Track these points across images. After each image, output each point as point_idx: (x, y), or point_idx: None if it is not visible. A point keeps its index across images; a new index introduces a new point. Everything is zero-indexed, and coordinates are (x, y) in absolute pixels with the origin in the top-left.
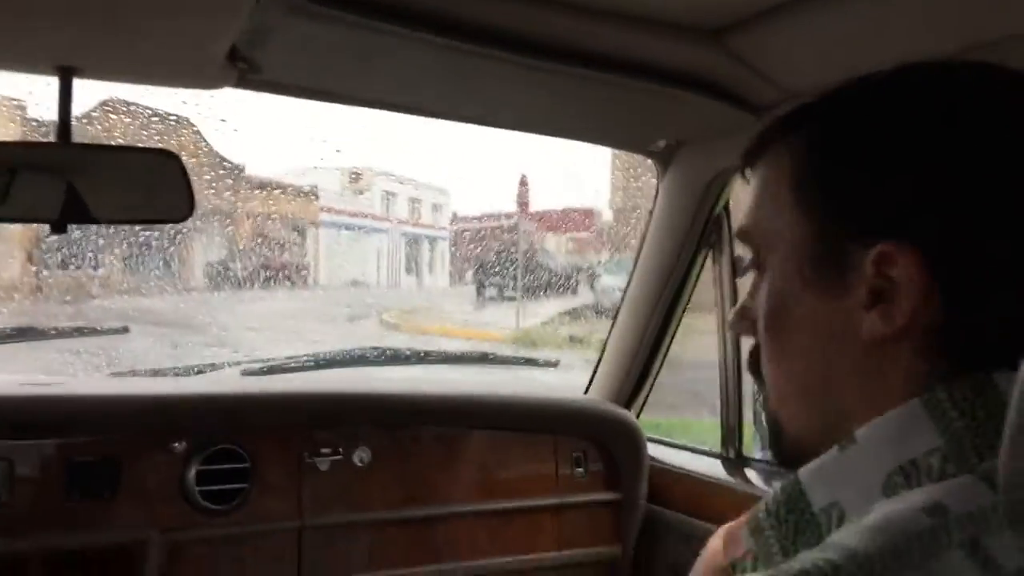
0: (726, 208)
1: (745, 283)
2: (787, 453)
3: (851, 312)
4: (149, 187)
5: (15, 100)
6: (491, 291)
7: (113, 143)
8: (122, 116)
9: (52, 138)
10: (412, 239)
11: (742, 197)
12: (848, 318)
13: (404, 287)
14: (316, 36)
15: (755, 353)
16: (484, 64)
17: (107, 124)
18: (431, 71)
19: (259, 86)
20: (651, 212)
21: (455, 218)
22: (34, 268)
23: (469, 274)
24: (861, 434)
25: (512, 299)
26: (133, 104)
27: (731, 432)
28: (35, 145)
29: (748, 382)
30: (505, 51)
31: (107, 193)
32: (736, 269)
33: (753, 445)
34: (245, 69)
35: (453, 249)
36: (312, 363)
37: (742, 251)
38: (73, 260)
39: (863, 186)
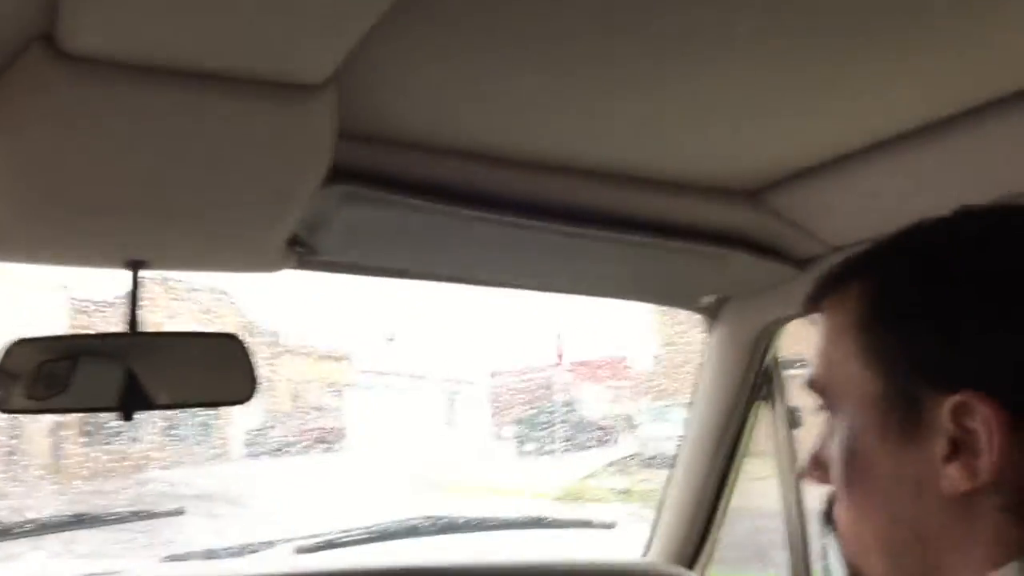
0: (775, 359)
1: (801, 434)
2: None
3: (930, 464)
4: (213, 370)
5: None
6: (531, 445)
7: (180, 331)
8: (157, 289)
9: (121, 328)
10: (450, 396)
11: (793, 340)
12: (928, 470)
13: (444, 446)
14: (373, 219)
15: (831, 502)
16: (534, 236)
17: (146, 299)
18: (484, 245)
19: (316, 267)
20: (701, 365)
21: (493, 373)
22: (81, 446)
23: (508, 429)
24: None
25: (553, 452)
26: (170, 279)
27: None
28: (106, 336)
29: (814, 534)
30: (559, 223)
31: (171, 378)
32: (792, 420)
33: None
34: (303, 253)
35: (492, 405)
36: (366, 536)
37: (797, 401)
38: (118, 436)
39: (933, 334)
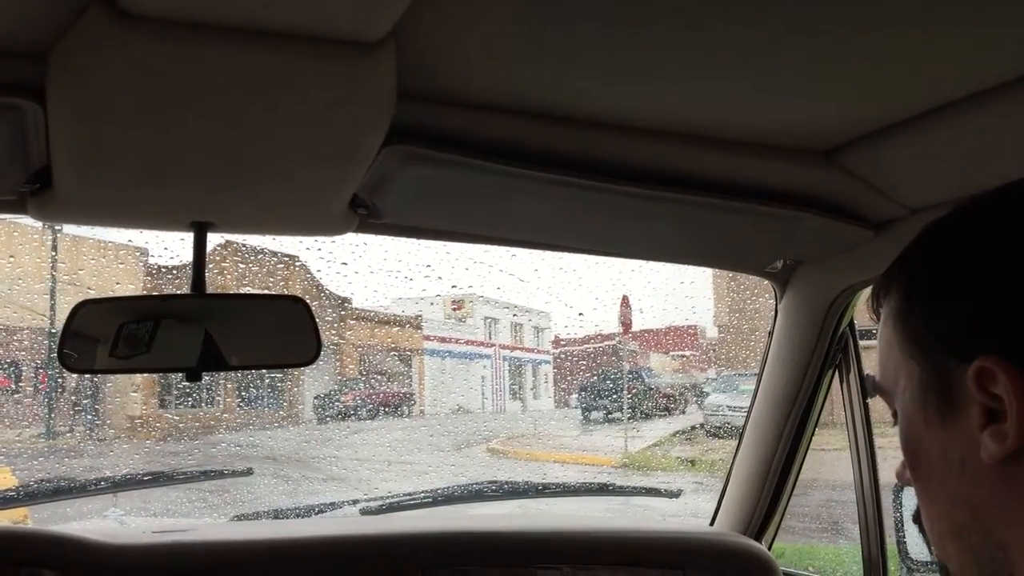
0: (851, 326)
1: (876, 403)
2: None
3: (970, 437)
4: (278, 332)
5: (138, 247)
6: (597, 413)
7: (244, 292)
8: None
9: (187, 290)
10: (515, 364)
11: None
12: (969, 444)
13: (509, 412)
14: (433, 180)
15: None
16: (597, 197)
17: (222, 266)
18: (547, 206)
19: (379, 230)
20: (771, 333)
21: (557, 341)
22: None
23: (574, 397)
24: None
25: (619, 421)
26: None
27: (874, 564)
28: (173, 297)
29: (888, 508)
30: (621, 183)
31: (239, 340)
32: (865, 388)
33: None
34: (365, 215)
35: (556, 372)
36: (430, 499)
37: (872, 370)
38: (191, 397)
39: (955, 310)
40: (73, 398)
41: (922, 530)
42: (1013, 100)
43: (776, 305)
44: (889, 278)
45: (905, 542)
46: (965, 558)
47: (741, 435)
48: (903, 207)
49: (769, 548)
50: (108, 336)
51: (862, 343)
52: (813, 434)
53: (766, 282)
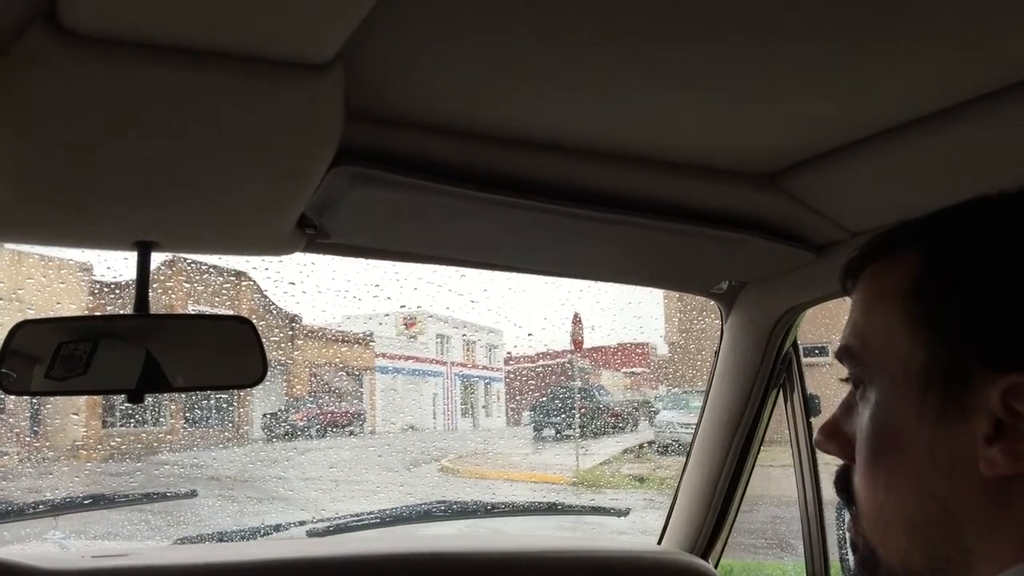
0: (794, 345)
1: (818, 422)
2: None
3: (970, 443)
4: (224, 353)
5: (81, 264)
6: (548, 431)
7: (188, 312)
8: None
9: (129, 309)
10: (467, 381)
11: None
12: (966, 449)
13: (461, 430)
14: (382, 200)
15: (845, 474)
16: (545, 218)
17: (167, 284)
18: (497, 227)
19: (326, 249)
20: (717, 352)
21: (509, 359)
22: (100, 427)
23: (526, 415)
24: None
25: (570, 438)
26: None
27: None
28: (115, 318)
29: (832, 523)
30: (568, 205)
31: (184, 361)
32: (808, 408)
33: None
34: (313, 235)
35: (508, 390)
36: (379, 520)
37: (815, 388)
38: (134, 418)
39: (991, 309)
40: (11, 420)
41: (848, 502)
42: (953, 125)
43: (722, 325)
44: (897, 245)
45: (848, 559)
46: (913, 550)
47: (688, 453)
48: (844, 231)
49: (716, 565)
50: (46, 357)
51: (805, 361)
52: (759, 452)
53: (712, 302)
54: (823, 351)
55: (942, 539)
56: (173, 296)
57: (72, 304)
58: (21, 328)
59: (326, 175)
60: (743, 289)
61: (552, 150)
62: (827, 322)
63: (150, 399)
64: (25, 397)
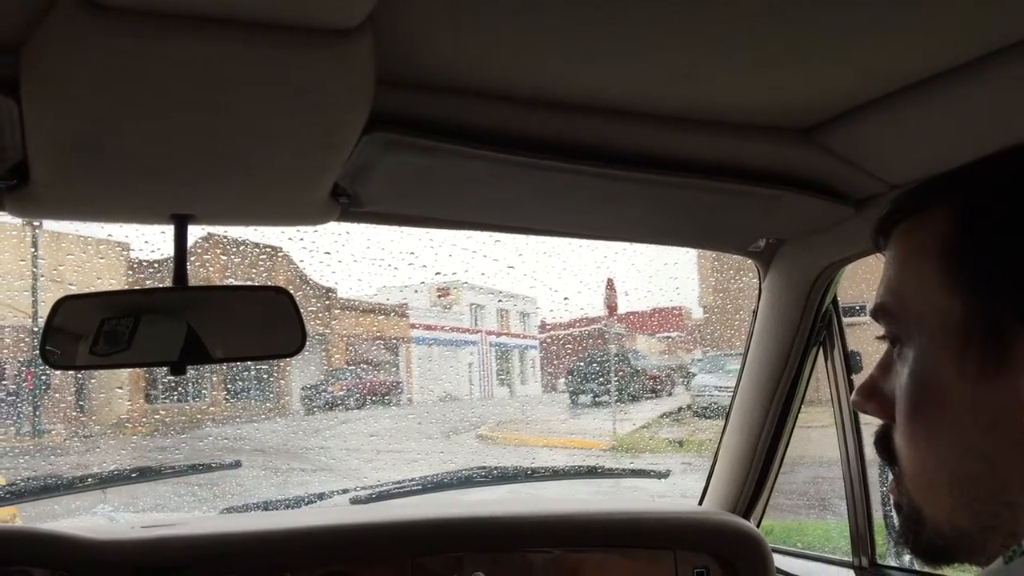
0: (834, 303)
1: (860, 379)
2: (927, 545)
3: (1013, 397)
4: (263, 324)
5: (119, 242)
6: (584, 397)
7: (226, 283)
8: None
9: (168, 283)
10: (502, 350)
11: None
12: (1009, 403)
13: (497, 398)
14: (414, 166)
15: (886, 434)
16: (581, 180)
17: (204, 258)
18: (530, 190)
19: (361, 218)
20: (755, 312)
21: (544, 326)
22: (144, 401)
23: (561, 381)
24: None
25: (606, 404)
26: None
27: (861, 538)
28: (154, 291)
29: (875, 482)
30: (602, 166)
31: (223, 333)
32: (850, 365)
33: (887, 551)
34: (347, 204)
35: (543, 357)
36: (420, 487)
37: (855, 346)
38: (177, 392)
39: None
40: (58, 395)
41: (890, 462)
42: (989, 73)
43: (760, 284)
44: (932, 199)
45: (892, 516)
46: (959, 509)
47: (727, 415)
48: (883, 183)
49: (758, 525)
50: (89, 332)
51: (846, 320)
52: (799, 412)
53: (750, 261)
54: (863, 310)
55: (987, 496)
56: (211, 269)
57: (112, 280)
58: (63, 304)
59: (358, 142)
60: (781, 246)
61: (585, 111)
62: (868, 278)
63: (192, 372)
64: (70, 374)
